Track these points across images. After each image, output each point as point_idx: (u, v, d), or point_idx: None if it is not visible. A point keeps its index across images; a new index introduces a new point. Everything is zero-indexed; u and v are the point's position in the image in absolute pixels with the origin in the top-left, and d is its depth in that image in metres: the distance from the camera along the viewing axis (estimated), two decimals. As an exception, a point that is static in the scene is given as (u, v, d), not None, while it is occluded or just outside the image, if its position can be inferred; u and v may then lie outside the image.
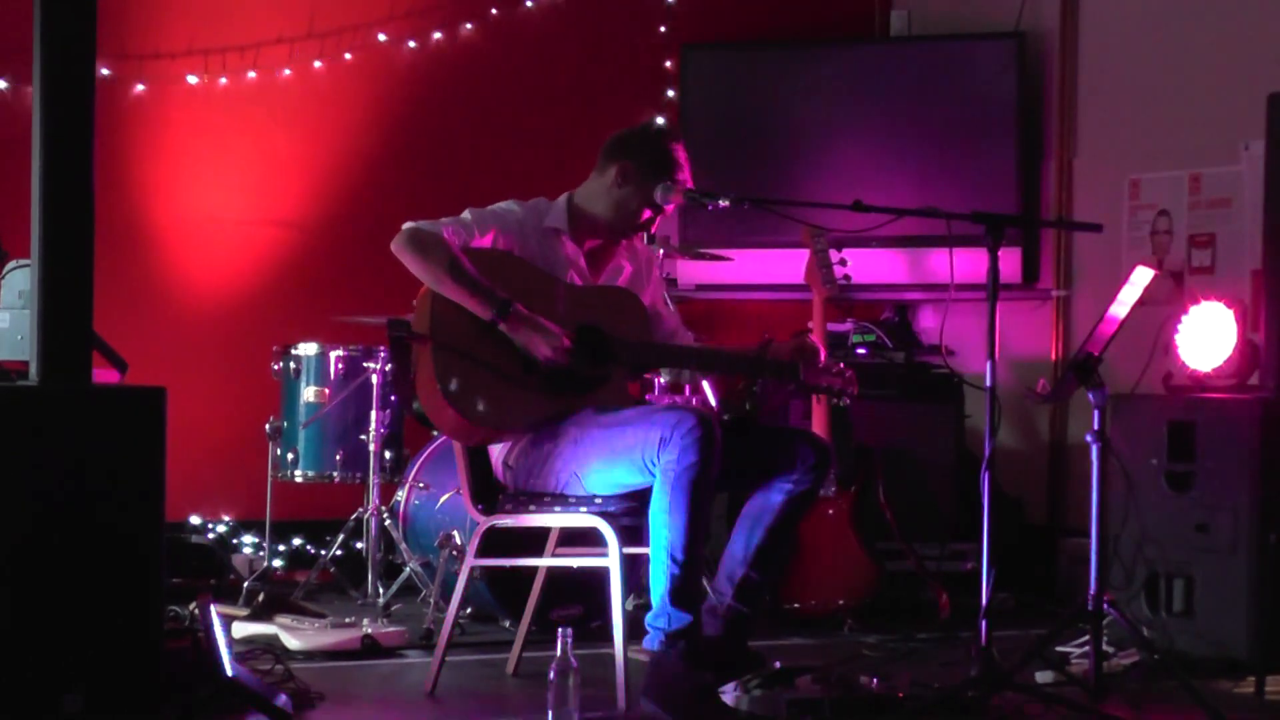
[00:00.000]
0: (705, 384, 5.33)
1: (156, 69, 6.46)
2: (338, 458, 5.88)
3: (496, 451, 4.38)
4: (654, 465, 4.07)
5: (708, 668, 4.13)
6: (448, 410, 4.19)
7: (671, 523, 4.03)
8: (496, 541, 4.49)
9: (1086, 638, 4.51)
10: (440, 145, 6.88)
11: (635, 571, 4.79)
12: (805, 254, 5.53)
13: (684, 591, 4.03)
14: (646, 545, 4.14)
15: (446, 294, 4.20)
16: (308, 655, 4.84)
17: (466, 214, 4.36)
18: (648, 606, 4.15)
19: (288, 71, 6.64)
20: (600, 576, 4.30)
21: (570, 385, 4.25)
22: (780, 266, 6.61)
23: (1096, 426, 4.35)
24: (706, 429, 4.02)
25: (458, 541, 5.28)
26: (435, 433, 5.82)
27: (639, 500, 4.18)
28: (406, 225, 4.28)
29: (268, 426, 5.93)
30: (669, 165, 4.39)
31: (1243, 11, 6.13)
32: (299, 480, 5.93)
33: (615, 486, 4.20)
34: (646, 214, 4.42)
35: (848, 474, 5.65)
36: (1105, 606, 4.34)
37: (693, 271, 6.85)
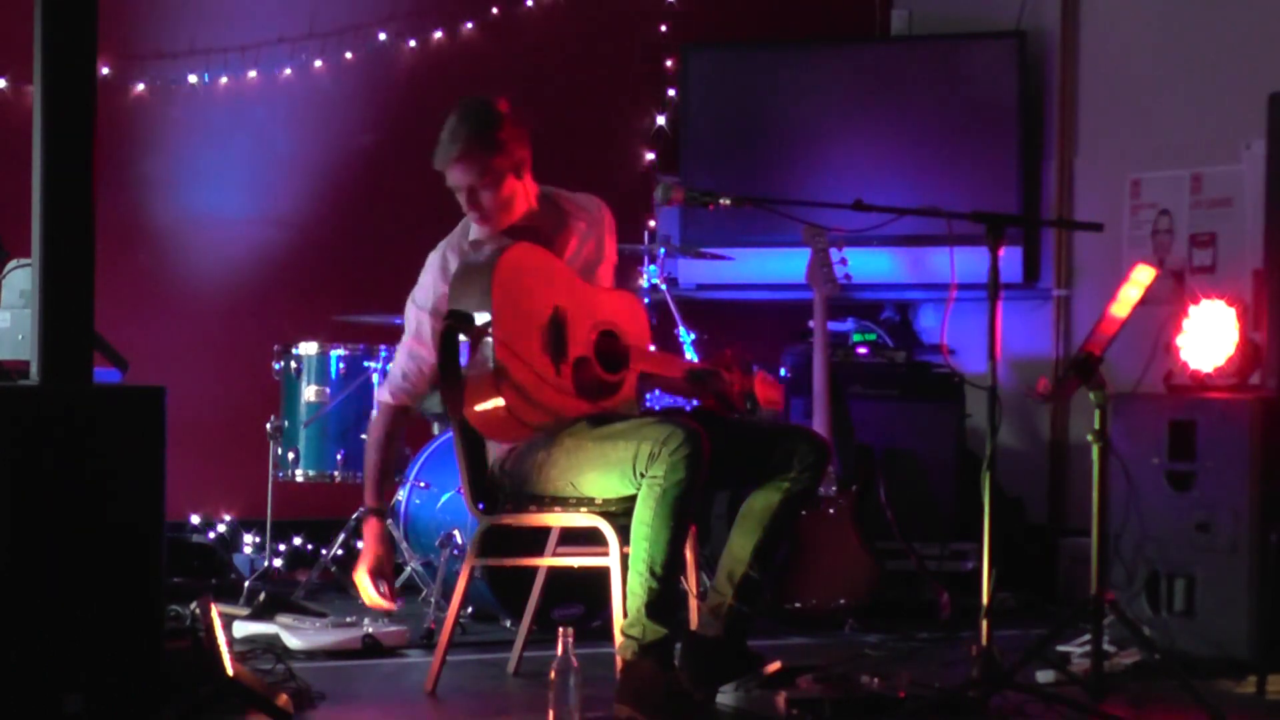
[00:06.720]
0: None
1: (156, 69, 6.46)
2: (338, 457, 5.88)
3: (491, 456, 4.38)
4: (643, 477, 4.06)
5: (691, 674, 4.14)
6: (498, 405, 4.12)
7: (654, 537, 4.02)
8: (497, 541, 4.49)
9: (1087, 638, 4.51)
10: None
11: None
12: (805, 254, 5.53)
13: (661, 605, 4.03)
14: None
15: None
16: (308, 655, 4.84)
17: (408, 308, 4.44)
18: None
19: (288, 71, 6.64)
20: (600, 576, 4.30)
21: (597, 388, 4.27)
22: (780, 266, 6.61)
23: (1096, 426, 4.35)
24: (695, 446, 4.00)
25: (459, 541, 5.28)
26: (437, 431, 5.83)
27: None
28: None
29: (268, 426, 5.92)
30: None
31: (1243, 11, 6.12)
32: (299, 480, 5.93)
33: (610, 493, 4.20)
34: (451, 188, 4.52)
35: (848, 474, 5.65)
36: (1105, 606, 4.34)
37: (693, 271, 6.83)
